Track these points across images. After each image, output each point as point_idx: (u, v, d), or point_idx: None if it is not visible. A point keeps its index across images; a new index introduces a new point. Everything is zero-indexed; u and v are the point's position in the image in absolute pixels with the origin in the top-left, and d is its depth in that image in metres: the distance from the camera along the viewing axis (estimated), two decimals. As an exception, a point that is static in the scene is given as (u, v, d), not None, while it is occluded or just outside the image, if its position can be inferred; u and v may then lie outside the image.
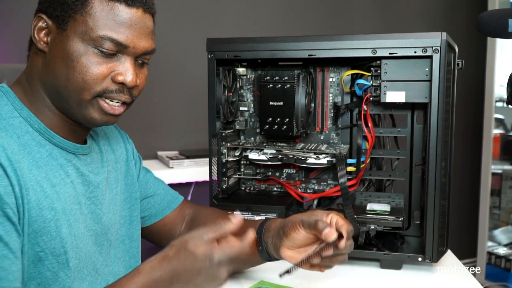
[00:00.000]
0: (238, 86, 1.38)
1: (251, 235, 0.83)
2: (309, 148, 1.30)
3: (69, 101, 0.87)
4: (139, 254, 1.09)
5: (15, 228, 0.78)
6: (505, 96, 2.19)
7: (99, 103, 0.88)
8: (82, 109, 0.88)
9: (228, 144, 1.31)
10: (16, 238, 0.78)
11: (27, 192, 0.80)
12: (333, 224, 0.93)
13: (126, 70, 0.88)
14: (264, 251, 1.02)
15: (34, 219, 0.81)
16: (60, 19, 0.85)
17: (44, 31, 0.87)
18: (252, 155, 1.31)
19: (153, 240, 1.20)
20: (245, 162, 1.42)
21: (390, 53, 1.13)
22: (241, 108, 1.39)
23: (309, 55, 1.18)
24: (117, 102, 0.90)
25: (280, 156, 1.27)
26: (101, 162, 1.01)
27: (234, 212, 0.82)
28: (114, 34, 0.85)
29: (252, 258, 1.05)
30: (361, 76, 1.25)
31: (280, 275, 0.89)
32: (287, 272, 0.89)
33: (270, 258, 1.02)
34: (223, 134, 1.29)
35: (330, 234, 0.88)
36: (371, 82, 1.22)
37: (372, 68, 1.21)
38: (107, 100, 0.89)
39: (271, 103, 1.27)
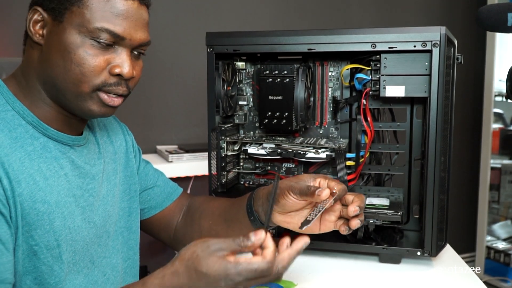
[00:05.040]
0: (237, 80, 1.37)
1: (272, 251, 0.75)
2: (308, 142, 1.29)
3: (66, 94, 0.87)
4: (137, 246, 1.10)
5: (5, 220, 0.78)
6: (504, 90, 2.19)
7: (99, 95, 0.88)
8: (79, 102, 0.88)
9: (227, 138, 1.31)
10: (6, 230, 0.78)
11: (19, 184, 0.80)
12: (323, 186, 0.96)
13: (123, 62, 0.88)
14: (257, 220, 1.03)
15: (27, 212, 0.81)
16: (57, 11, 0.85)
17: (39, 24, 0.87)
18: (251, 149, 1.31)
19: (152, 232, 1.20)
20: (244, 156, 1.42)
21: (389, 47, 1.13)
22: (240, 102, 1.39)
23: (308, 49, 1.18)
24: (115, 96, 0.90)
25: (279, 150, 1.27)
26: (98, 153, 1.01)
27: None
28: (111, 26, 0.85)
29: (247, 231, 1.06)
30: (360, 70, 1.25)
31: (301, 227, 0.92)
32: (306, 222, 0.92)
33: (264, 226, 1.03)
34: (222, 128, 1.29)
35: (322, 192, 0.92)
36: (370, 76, 1.22)
37: (371, 62, 1.21)
38: (107, 93, 0.89)
39: (270, 97, 1.27)
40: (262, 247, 0.75)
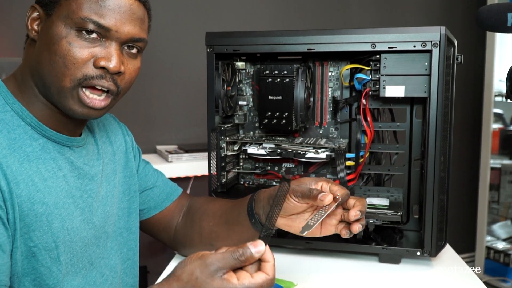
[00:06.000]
0: (237, 80, 1.37)
1: (273, 265, 0.74)
2: (308, 142, 1.29)
3: (51, 88, 0.85)
4: (137, 247, 1.09)
5: (1, 222, 0.78)
6: (504, 90, 2.19)
7: (79, 94, 0.85)
8: (61, 98, 0.85)
9: (227, 138, 1.31)
10: (3, 232, 0.78)
11: (17, 186, 0.80)
12: (326, 190, 0.95)
13: (109, 55, 0.85)
14: (258, 223, 1.03)
15: (25, 213, 0.81)
16: (48, 6, 0.85)
17: (37, 21, 0.87)
18: (251, 150, 1.31)
19: (151, 232, 1.20)
20: (244, 156, 1.42)
21: (389, 47, 1.13)
22: (240, 102, 1.39)
23: (308, 49, 1.18)
24: (99, 96, 0.87)
25: (279, 150, 1.27)
26: (97, 154, 1.00)
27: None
28: (96, 16, 0.83)
29: (248, 234, 1.05)
30: (360, 70, 1.25)
31: (302, 232, 0.92)
32: (307, 226, 0.92)
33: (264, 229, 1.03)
34: (222, 128, 1.29)
35: (325, 196, 0.92)
36: (370, 77, 1.22)
37: (371, 62, 1.21)
38: (87, 92, 0.85)
39: (270, 97, 1.27)
40: (260, 259, 0.74)
